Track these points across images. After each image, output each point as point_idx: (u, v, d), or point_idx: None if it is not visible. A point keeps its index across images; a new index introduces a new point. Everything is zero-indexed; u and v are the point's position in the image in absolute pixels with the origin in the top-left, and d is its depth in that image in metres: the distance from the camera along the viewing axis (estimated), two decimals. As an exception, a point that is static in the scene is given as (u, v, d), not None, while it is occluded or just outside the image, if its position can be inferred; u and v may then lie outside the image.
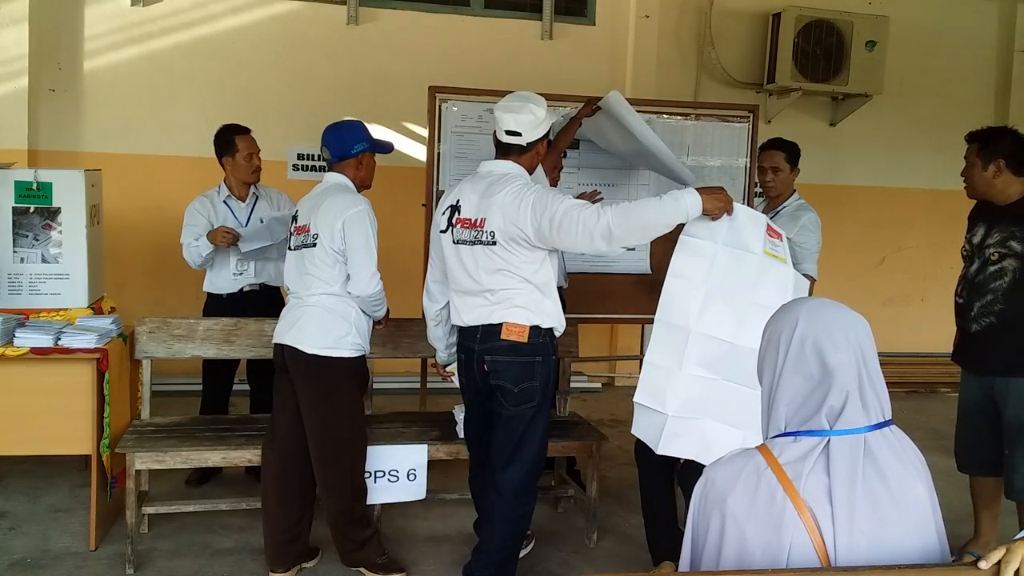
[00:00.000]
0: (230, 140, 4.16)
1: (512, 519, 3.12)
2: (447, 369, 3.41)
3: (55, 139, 5.74)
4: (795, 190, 4.11)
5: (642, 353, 6.74)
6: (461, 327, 3.12)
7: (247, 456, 3.52)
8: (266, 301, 4.24)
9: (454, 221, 3.05)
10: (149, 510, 3.64)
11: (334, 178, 3.29)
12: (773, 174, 4.02)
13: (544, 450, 3.20)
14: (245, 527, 3.76)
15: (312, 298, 3.20)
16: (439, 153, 3.94)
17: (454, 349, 3.28)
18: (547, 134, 3.08)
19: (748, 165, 4.16)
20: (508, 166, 3.03)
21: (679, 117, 4.12)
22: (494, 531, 3.13)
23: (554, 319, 3.05)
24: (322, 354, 3.15)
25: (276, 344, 3.29)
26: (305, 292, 3.22)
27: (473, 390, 3.17)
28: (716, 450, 2.60)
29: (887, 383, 1.56)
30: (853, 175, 7.16)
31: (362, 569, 3.39)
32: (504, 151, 3.05)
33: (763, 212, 3.84)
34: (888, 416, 1.53)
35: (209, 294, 4.27)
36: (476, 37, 6.31)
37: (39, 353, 3.44)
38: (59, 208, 3.77)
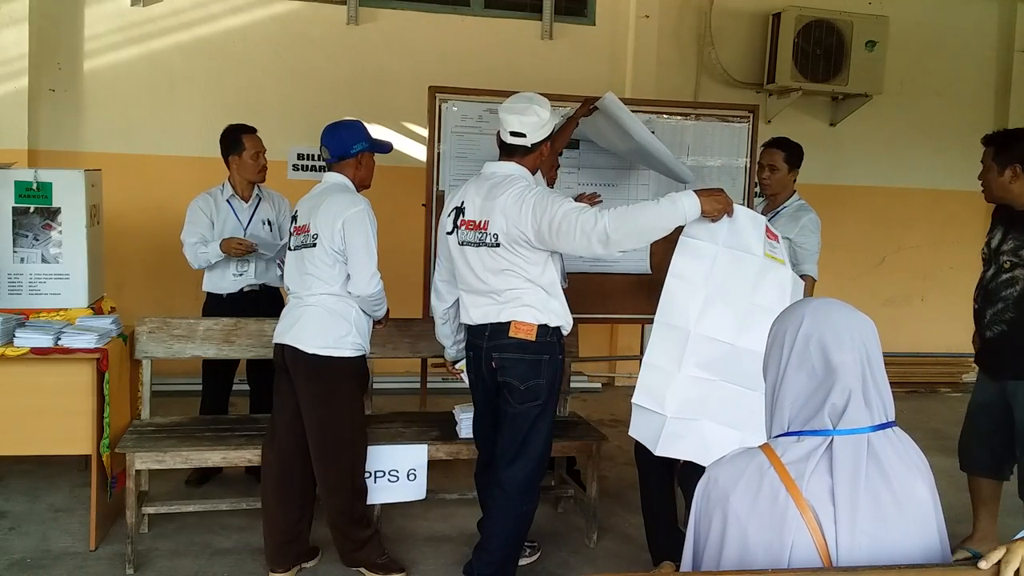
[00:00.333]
0: (237, 139, 4.16)
1: (514, 516, 3.13)
2: (456, 367, 3.42)
3: (55, 139, 5.74)
4: (795, 191, 4.11)
5: (642, 353, 6.71)
6: (470, 325, 3.14)
7: (247, 456, 3.52)
8: (266, 301, 4.24)
9: (459, 223, 3.06)
10: (149, 510, 3.64)
11: (334, 178, 3.29)
12: (770, 172, 4.02)
13: (548, 449, 3.22)
14: (245, 527, 3.76)
15: (312, 298, 3.20)
16: (439, 153, 3.94)
17: (462, 346, 3.30)
18: (551, 135, 3.08)
19: (748, 165, 4.16)
20: (511, 167, 3.04)
21: (679, 117, 4.12)
22: (496, 528, 3.14)
23: (561, 318, 3.07)
24: (322, 354, 3.15)
25: (276, 344, 3.29)
26: (305, 292, 3.22)
27: (481, 388, 3.19)
28: (715, 451, 2.60)
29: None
30: (853, 175, 7.16)
31: (362, 569, 3.39)
32: (508, 152, 3.06)
33: (763, 212, 3.85)
34: (891, 417, 1.53)
35: (209, 294, 4.27)
36: (476, 37, 6.31)
37: (39, 353, 3.44)
38: (59, 208, 3.77)
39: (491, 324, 3.04)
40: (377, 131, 5.67)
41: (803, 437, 1.51)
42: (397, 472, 3.55)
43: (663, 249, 3.50)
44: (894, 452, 1.50)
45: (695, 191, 2.85)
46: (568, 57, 6.42)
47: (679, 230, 2.93)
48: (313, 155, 6.03)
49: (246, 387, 4.45)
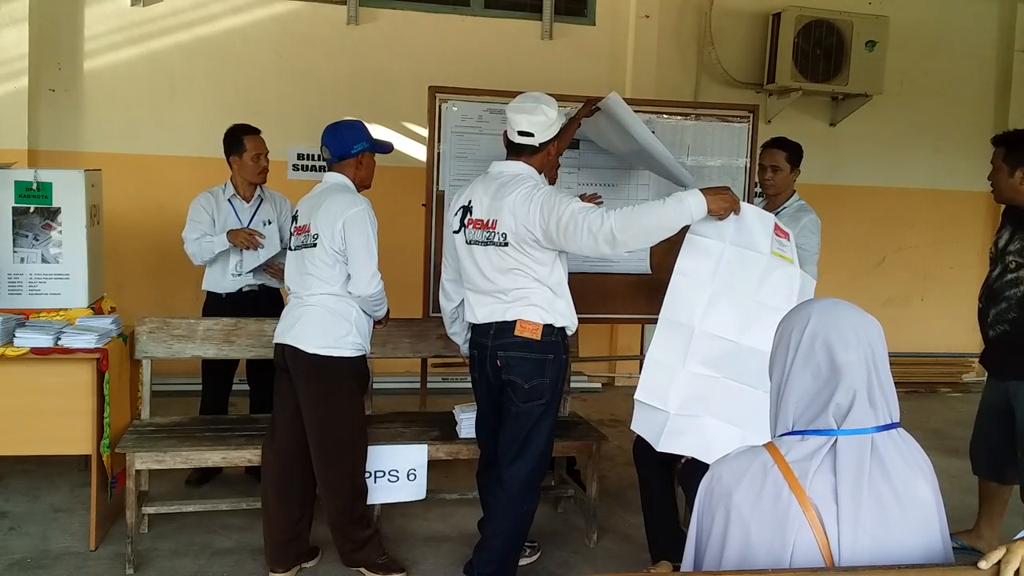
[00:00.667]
0: (239, 139, 4.16)
1: (515, 516, 3.13)
2: None
3: (55, 139, 5.73)
4: (795, 191, 4.11)
5: (642, 353, 6.75)
6: (475, 324, 3.14)
7: (247, 456, 3.52)
8: (266, 301, 4.25)
9: (466, 222, 3.07)
10: (149, 510, 3.64)
11: (334, 178, 3.29)
12: (772, 172, 4.02)
13: (550, 448, 3.22)
14: (245, 527, 3.76)
15: (313, 298, 3.20)
16: (439, 153, 3.93)
17: None
18: (558, 135, 3.08)
19: (748, 165, 4.16)
20: (519, 167, 3.04)
21: (679, 117, 4.11)
22: (496, 527, 3.15)
23: (567, 318, 3.08)
24: (323, 354, 3.15)
25: (277, 344, 3.29)
26: (306, 292, 3.22)
27: (485, 386, 3.20)
28: (716, 448, 2.61)
29: (888, 383, 1.56)
30: (853, 175, 7.16)
31: (362, 569, 3.39)
32: (516, 152, 3.07)
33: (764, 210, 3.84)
34: (896, 418, 1.53)
35: (209, 293, 4.27)
36: (476, 37, 6.31)
37: (39, 353, 3.43)
38: (59, 208, 3.77)
39: (496, 323, 3.04)
40: (377, 131, 5.67)
41: (807, 436, 1.51)
42: (397, 472, 3.55)
43: (663, 249, 3.50)
44: (898, 453, 1.51)
45: (701, 190, 2.86)
46: (568, 57, 6.42)
47: (684, 230, 2.93)
48: (313, 155, 6.03)
49: (246, 387, 4.45)
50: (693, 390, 2.90)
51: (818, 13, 6.44)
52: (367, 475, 3.41)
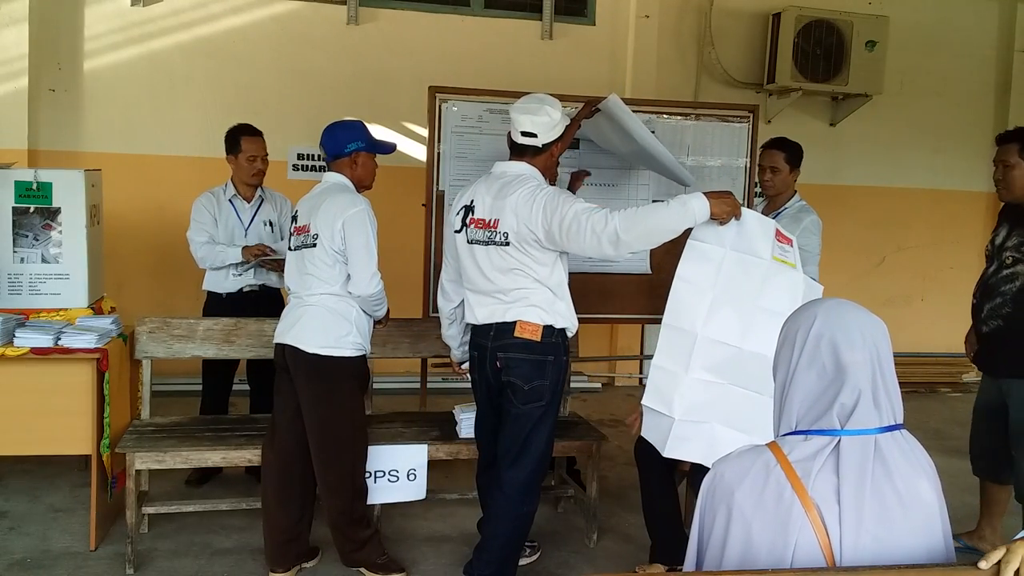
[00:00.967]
0: (236, 140, 4.17)
1: (515, 517, 3.13)
2: (463, 367, 3.41)
3: (55, 139, 5.73)
4: (796, 191, 4.11)
5: (642, 353, 6.75)
6: (475, 325, 3.13)
7: (247, 456, 3.52)
8: (266, 301, 4.25)
9: (468, 221, 3.07)
10: (149, 510, 3.64)
11: (333, 178, 3.30)
12: (772, 173, 4.02)
13: (550, 450, 3.22)
14: (245, 527, 3.76)
15: (313, 298, 3.20)
16: (439, 153, 3.93)
17: (468, 347, 3.29)
18: (561, 136, 3.08)
19: (748, 165, 4.16)
20: (522, 167, 3.05)
21: (679, 117, 4.11)
22: (496, 529, 3.14)
23: (567, 319, 3.07)
24: (323, 353, 3.15)
25: (277, 344, 3.29)
26: (306, 292, 3.22)
27: (485, 388, 3.19)
28: (723, 454, 2.61)
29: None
30: (853, 175, 7.16)
31: (362, 569, 3.39)
32: (519, 152, 3.07)
33: (763, 212, 3.84)
34: (900, 420, 1.53)
35: (209, 292, 4.27)
36: (476, 37, 6.31)
37: (39, 353, 3.43)
38: (59, 208, 3.77)
39: (496, 324, 3.03)
40: (377, 131, 5.66)
41: (811, 436, 1.51)
42: (397, 472, 3.54)
43: (663, 249, 3.49)
44: (901, 454, 1.50)
45: (704, 193, 2.86)
46: (568, 57, 6.42)
47: (686, 232, 2.93)
48: (313, 155, 6.03)
49: (246, 387, 4.45)
50: (698, 396, 2.90)
51: (818, 13, 6.44)
52: (367, 475, 3.40)
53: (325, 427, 3.20)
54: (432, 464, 3.62)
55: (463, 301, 3.23)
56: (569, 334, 3.12)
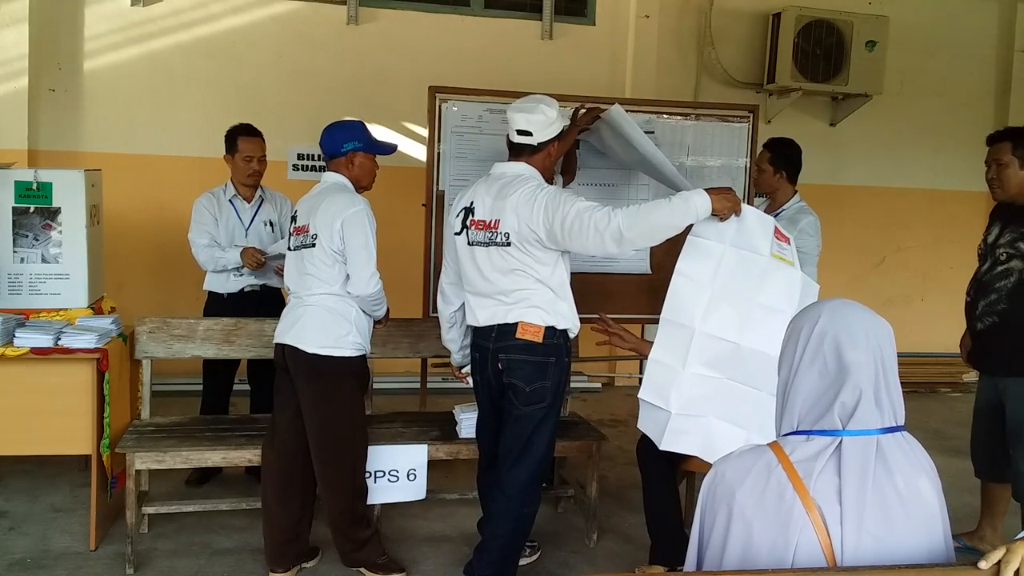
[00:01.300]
0: (233, 140, 4.17)
1: (516, 518, 3.12)
2: (462, 371, 3.41)
3: (55, 139, 5.73)
4: (796, 191, 4.11)
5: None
6: (476, 327, 3.13)
7: (247, 456, 3.52)
8: (267, 301, 4.24)
9: (468, 223, 3.06)
10: (149, 510, 3.64)
11: (332, 178, 3.30)
12: (758, 173, 4.06)
13: (551, 452, 3.22)
14: (245, 527, 3.76)
15: (312, 298, 3.20)
16: (439, 153, 3.93)
17: (468, 351, 3.29)
18: (558, 136, 3.08)
19: (748, 165, 4.16)
20: (521, 167, 3.04)
21: (679, 117, 4.11)
22: (497, 530, 3.14)
23: (569, 320, 3.07)
24: (323, 353, 3.15)
25: (277, 344, 3.29)
26: (305, 292, 3.22)
27: (486, 389, 3.19)
28: (719, 448, 2.63)
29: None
30: (853, 175, 7.16)
31: (362, 569, 3.39)
32: (516, 152, 3.07)
33: (765, 211, 3.85)
34: (901, 422, 1.53)
35: (210, 292, 4.27)
36: (476, 37, 6.31)
37: (39, 353, 3.43)
38: (59, 208, 3.77)
39: (498, 325, 3.03)
40: (377, 131, 5.66)
41: (812, 436, 1.51)
42: (397, 472, 3.54)
43: (663, 249, 3.50)
44: (903, 455, 1.50)
45: (705, 190, 2.86)
46: (568, 57, 6.42)
47: (686, 231, 2.94)
48: (313, 155, 6.03)
49: (246, 387, 4.45)
50: (695, 390, 2.91)
51: (818, 13, 6.44)
52: (367, 475, 3.40)
53: (325, 427, 3.20)
54: (432, 464, 3.61)
55: (463, 305, 3.23)
56: (571, 335, 3.12)
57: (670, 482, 3.30)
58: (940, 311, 7.17)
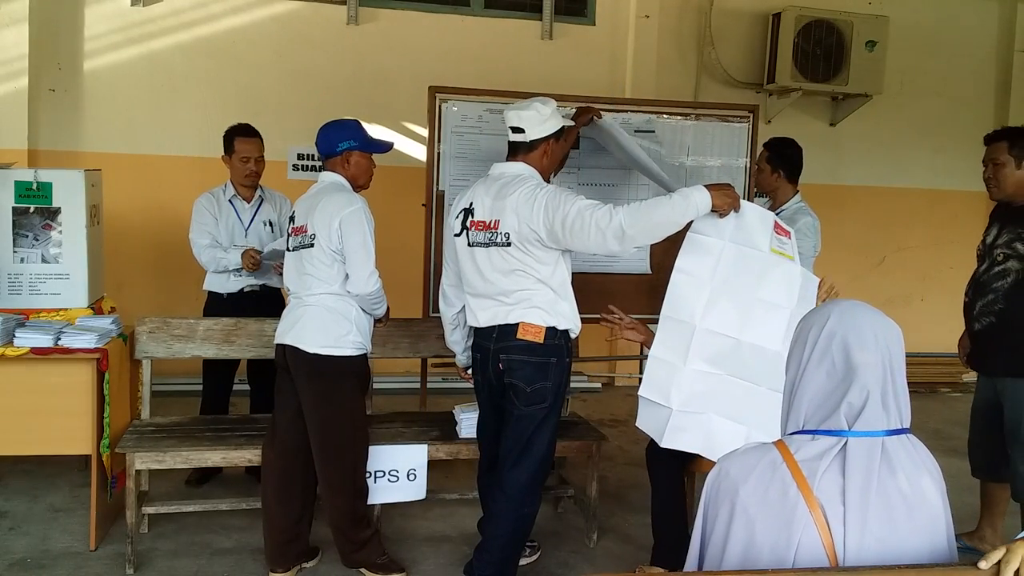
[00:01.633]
0: (230, 140, 4.17)
1: (516, 518, 3.12)
2: (468, 372, 3.40)
3: (55, 139, 5.74)
4: (797, 191, 4.12)
5: (642, 353, 6.74)
6: (477, 328, 3.13)
7: (247, 456, 3.52)
8: (267, 301, 4.24)
9: (468, 224, 3.06)
10: (149, 510, 3.64)
11: (329, 177, 3.29)
12: (757, 172, 4.07)
13: (552, 452, 3.21)
14: (245, 527, 3.76)
15: (312, 298, 3.20)
16: (439, 153, 3.93)
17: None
18: (554, 134, 3.07)
19: (748, 165, 4.16)
20: (519, 167, 3.04)
21: (679, 117, 4.11)
22: (497, 530, 3.14)
23: (570, 320, 3.07)
24: (323, 353, 3.15)
25: (277, 344, 3.29)
26: (305, 292, 3.22)
27: (487, 390, 3.19)
28: (720, 444, 2.63)
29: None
30: (853, 175, 7.16)
31: (362, 569, 3.38)
32: (513, 152, 3.07)
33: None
34: (907, 425, 1.53)
35: (210, 292, 4.27)
36: (476, 37, 6.31)
37: (39, 353, 3.43)
38: (59, 208, 3.77)
39: (499, 326, 3.03)
40: (377, 131, 5.68)
41: (818, 436, 1.51)
42: (397, 472, 3.54)
43: (663, 249, 3.50)
44: (908, 457, 1.50)
45: (705, 186, 2.86)
46: (568, 57, 6.42)
47: (685, 228, 2.94)
48: (313, 155, 6.03)
49: (246, 387, 4.45)
50: (696, 387, 2.91)
51: (818, 13, 6.44)
52: (367, 475, 3.40)
53: (326, 427, 3.20)
54: (432, 464, 3.61)
55: (464, 306, 3.23)
56: (572, 335, 3.11)
57: (678, 484, 3.29)
58: (940, 311, 7.16)
